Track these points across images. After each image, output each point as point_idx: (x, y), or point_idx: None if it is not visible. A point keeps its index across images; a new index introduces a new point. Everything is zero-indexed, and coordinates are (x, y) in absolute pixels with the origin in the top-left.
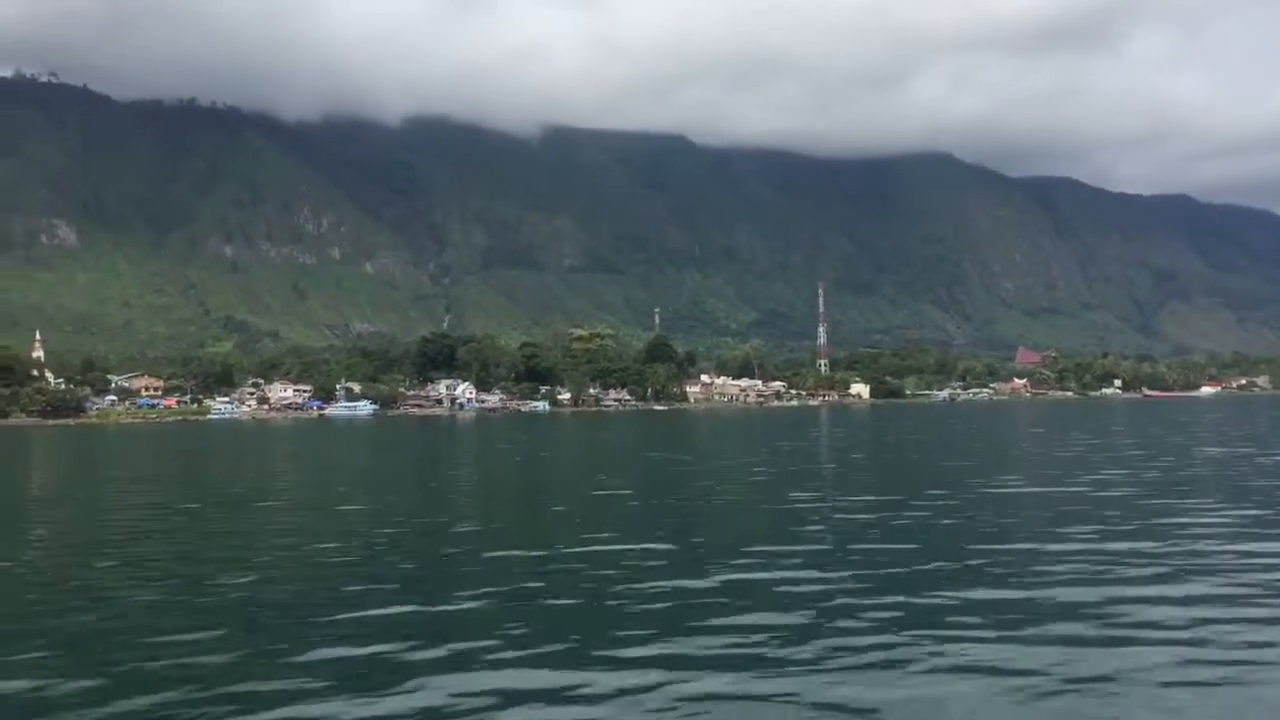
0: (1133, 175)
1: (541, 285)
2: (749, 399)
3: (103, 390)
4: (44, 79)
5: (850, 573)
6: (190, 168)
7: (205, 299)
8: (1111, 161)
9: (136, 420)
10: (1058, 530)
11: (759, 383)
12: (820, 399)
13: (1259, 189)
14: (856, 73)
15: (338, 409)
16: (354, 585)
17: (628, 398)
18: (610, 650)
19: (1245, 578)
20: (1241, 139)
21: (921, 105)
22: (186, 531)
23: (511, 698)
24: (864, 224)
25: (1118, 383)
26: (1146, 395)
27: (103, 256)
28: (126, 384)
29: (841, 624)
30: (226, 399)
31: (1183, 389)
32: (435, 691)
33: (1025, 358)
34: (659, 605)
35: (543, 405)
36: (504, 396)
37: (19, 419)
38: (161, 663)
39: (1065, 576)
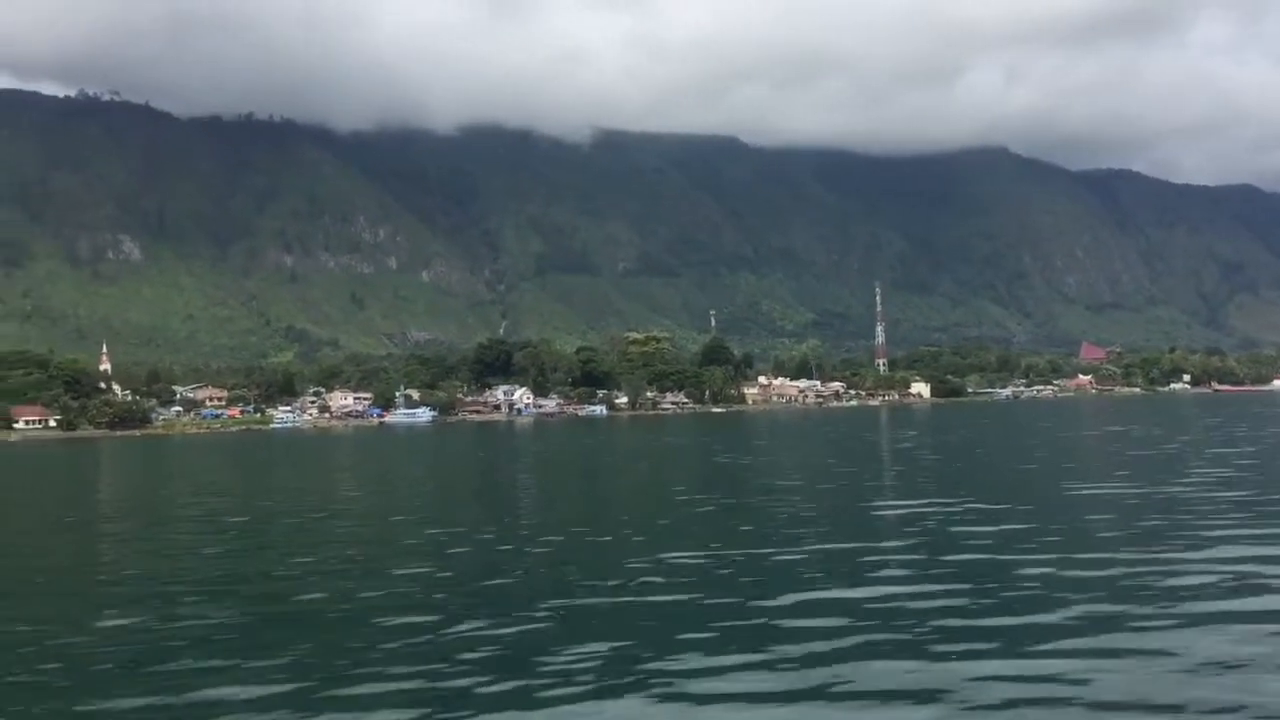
0: (1195, 166)
1: (596, 290)
2: (807, 400)
3: (168, 401)
4: (106, 98)
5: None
6: (249, 181)
7: (266, 310)
8: (1173, 152)
9: (201, 431)
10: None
11: (817, 383)
12: (880, 399)
13: None
14: (908, 68)
15: (397, 416)
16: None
17: (685, 400)
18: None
19: None
20: None
21: (976, 100)
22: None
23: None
24: (920, 221)
25: (1186, 378)
26: (1217, 390)
27: (166, 270)
28: (191, 395)
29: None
30: (288, 408)
31: (1253, 383)
32: None
33: (1089, 353)
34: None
35: (600, 409)
36: (561, 401)
37: (87, 430)
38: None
39: None
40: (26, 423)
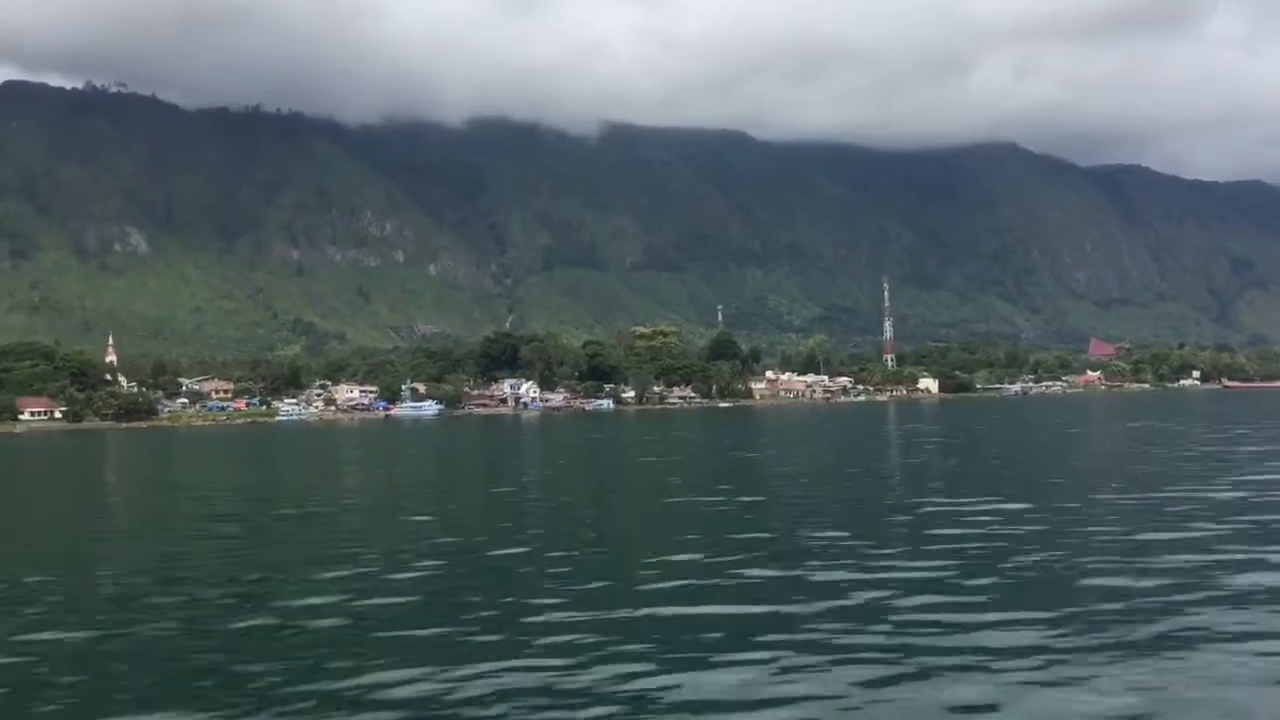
0: (1206, 161)
1: (604, 284)
2: (815, 395)
3: (174, 393)
4: (114, 90)
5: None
6: (256, 173)
7: (272, 303)
8: (1183, 148)
9: (207, 423)
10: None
11: (825, 378)
12: (888, 394)
13: None
14: (918, 62)
15: (403, 409)
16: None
17: (692, 395)
18: None
19: None
20: None
21: (985, 94)
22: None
23: None
24: (929, 216)
25: (1196, 374)
26: (1227, 386)
27: (173, 262)
28: (197, 387)
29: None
30: (294, 400)
31: (1264, 379)
32: None
33: (1098, 349)
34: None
35: (607, 404)
36: (568, 395)
37: (94, 422)
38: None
39: None
40: (32, 414)
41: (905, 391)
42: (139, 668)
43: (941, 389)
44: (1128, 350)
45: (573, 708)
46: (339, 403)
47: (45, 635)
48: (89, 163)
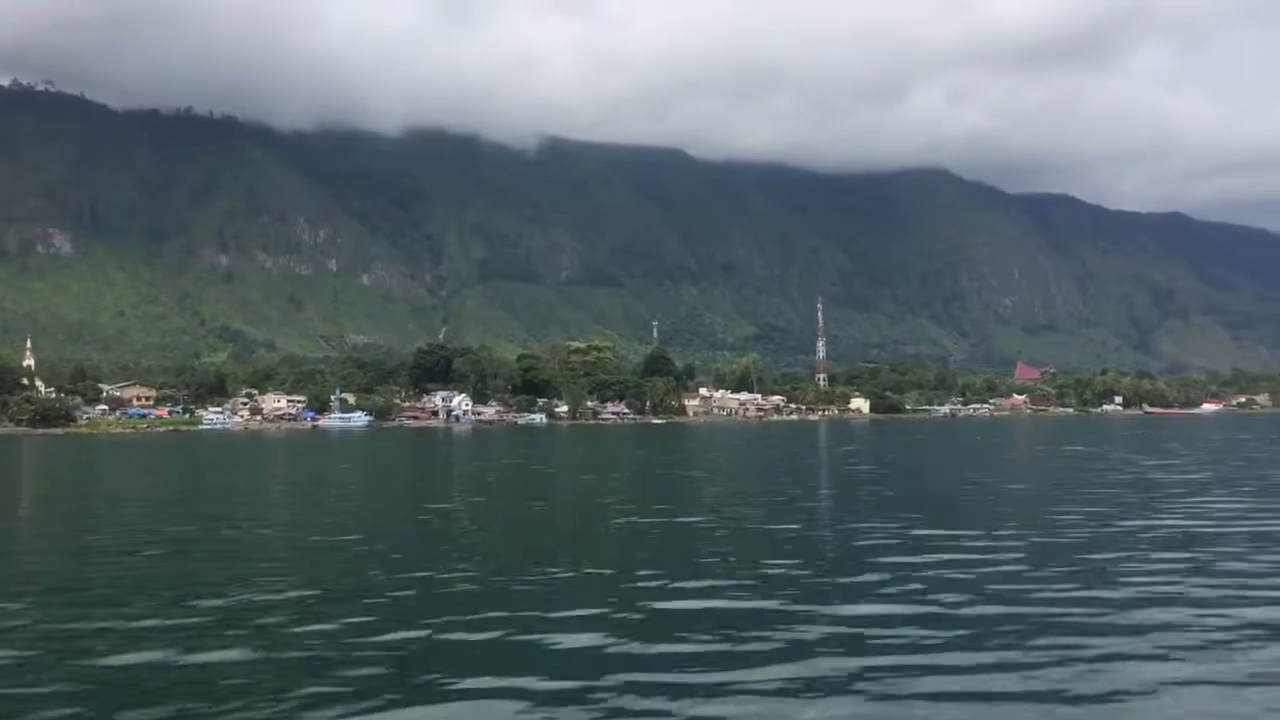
0: (1130, 192)
1: (539, 298)
2: (748, 413)
3: (94, 399)
4: (40, 87)
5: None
6: (186, 177)
7: (200, 309)
8: (1109, 179)
9: (127, 430)
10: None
11: (758, 397)
12: (820, 414)
13: (1255, 207)
14: (855, 86)
15: (332, 420)
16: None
17: (626, 411)
18: None
19: None
20: (1238, 157)
21: (920, 120)
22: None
23: None
24: (862, 239)
25: (1118, 399)
26: (1148, 412)
27: (97, 265)
28: (118, 393)
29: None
30: (219, 409)
31: (1183, 406)
32: None
33: (1024, 373)
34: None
35: (540, 418)
36: (500, 409)
37: (7, 428)
38: None
39: None
40: None
41: (837, 411)
42: None
43: (872, 409)
44: (1052, 375)
45: None
46: (265, 412)
47: None
48: (12, 161)
